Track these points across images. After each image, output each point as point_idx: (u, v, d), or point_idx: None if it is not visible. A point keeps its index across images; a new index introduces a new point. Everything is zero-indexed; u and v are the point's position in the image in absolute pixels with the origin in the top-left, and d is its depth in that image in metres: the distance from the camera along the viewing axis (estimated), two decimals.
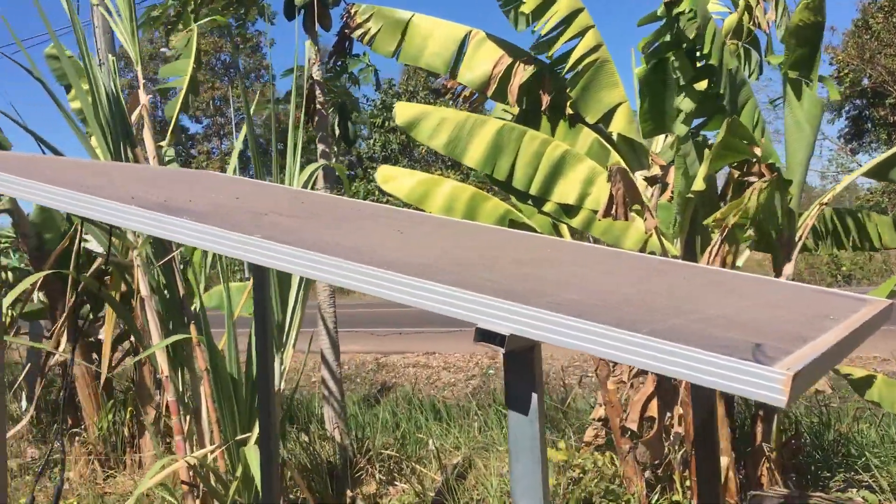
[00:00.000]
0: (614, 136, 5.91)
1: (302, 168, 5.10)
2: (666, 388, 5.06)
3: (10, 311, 7.46)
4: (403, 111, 5.59)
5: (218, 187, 2.93)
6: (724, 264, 4.04)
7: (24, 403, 10.91)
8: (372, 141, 44.19)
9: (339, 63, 7.78)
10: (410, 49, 6.15)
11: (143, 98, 5.02)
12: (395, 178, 6.05)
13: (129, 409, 8.02)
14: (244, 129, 4.94)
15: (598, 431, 5.87)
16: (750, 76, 5.87)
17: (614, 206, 4.36)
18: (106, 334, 5.24)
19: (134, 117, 4.97)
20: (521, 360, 1.60)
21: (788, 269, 5.06)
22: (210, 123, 59.28)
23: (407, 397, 10.14)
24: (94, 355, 8.18)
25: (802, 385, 1.34)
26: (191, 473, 4.59)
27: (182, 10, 7.40)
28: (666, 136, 5.99)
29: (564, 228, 5.91)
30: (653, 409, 5.25)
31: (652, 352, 1.39)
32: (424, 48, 6.13)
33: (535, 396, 1.61)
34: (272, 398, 3.32)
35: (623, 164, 5.56)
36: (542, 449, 1.62)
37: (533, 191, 5.40)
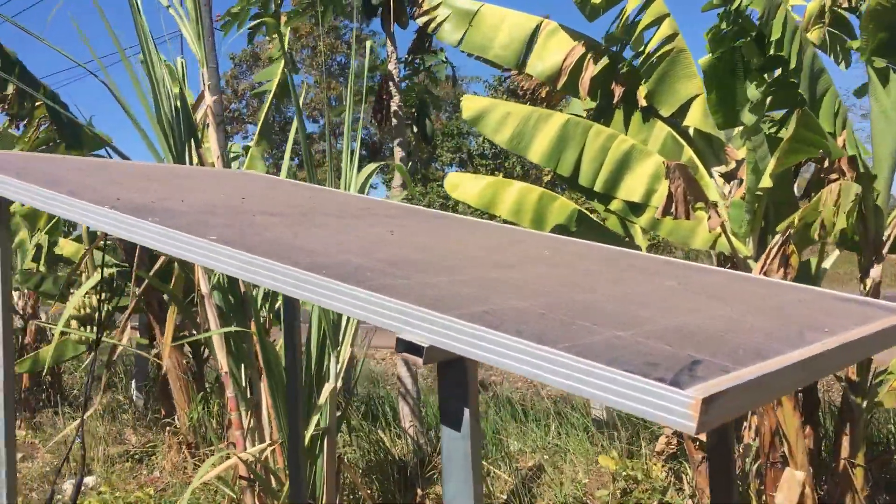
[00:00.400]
0: (691, 131, 5.63)
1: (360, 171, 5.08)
2: None
3: (106, 306, 7.82)
4: (470, 105, 5.50)
5: (239, 188, 2.94)
6: (786, 267, 3.75)
7: (133, 392, 11.46)
8: (482, 139, 44.10)
9: (418, 60, 7.76)
10: (477, 38, 6.02)
11: (209, 99, 5.13)
12: (462, 184, 5.98)
13: (217, 400, 8.27)
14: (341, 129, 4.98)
15: (669, 440, 5.61)
16: (839, 63, 5.46)
17: (673, 204, 4.13)
18: (167, 329, 5.39)
19: (199, 117, 5.08)
20: (453, 372, 1.50)
21: (875, 271, 4.67)
22: (337, 122, 60.48)
23: (487, 396, 10.04)
24: (187, 349, 8.49)
25: (724, 409, 1.18)
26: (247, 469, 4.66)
27: (262, 11, 7.55)
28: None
29: (637, 229, 5.67)
30: None
31: (563, 369, 1.26)
32: (493, 38, 5.99)
33: (467, 412, 1.50)
34: (299, 401, 3.31)
35: (694, 159, 5.29)
36: (474, 468, 1.51)
37: (598, 187, 5.20)
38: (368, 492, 5.49)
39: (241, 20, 7.80)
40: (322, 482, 4.88)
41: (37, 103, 6.68)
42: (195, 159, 4.95)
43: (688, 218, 4.18)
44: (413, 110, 7.79)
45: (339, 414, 5.28)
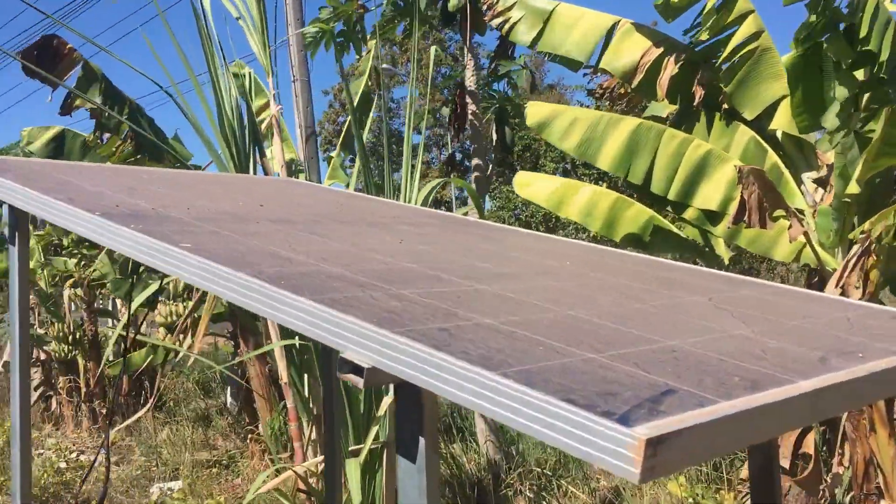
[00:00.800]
0: (778, 135, 5.26)
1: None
2: (824, 421, 4.40)
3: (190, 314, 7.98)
4: (535, 111, 5.30)
5: (268, 195, 2.86)
6: (865, 279, 3.40)
7: (228, 399, 11.72)
8: None
9: (497, 67, 7.61)
10: (551, 38, 5.81)
11: (274, 109, 5.14)
12: (531, 184, 5.76)
13: None
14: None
15: None
16: None
17: (746, 212, 3.83)
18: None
19: (264, 127, 5.09)
20: (407, 395, 1.34)
21: None
22: (430, 134, 60.98)
23: None
24: (268, 358, 8.58)
25: (680, 453, 0.97)
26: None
27: (346, 27, 7.57)
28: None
29: (719, 240, 5.34)
30: (809, 445, 4.58)
31: (500, 397, 1.08)
32: (567, 37, 5.77)
33: (422, 441, 1.33)
34: (335, 415, 3.20)
35: (779, 165, 4.92)
36: (431, 501, 1.34)
37: (671, 195, 4.91)
38: None
39: (326, 39, 7.85)
40: (381, 497, 4.77)
41: (123, 116, 6.88)
42: (258, 168, 4.96)
43: (763, 227, 3.86)
44: (492, 119, 7.65)
45: None
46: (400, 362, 1.21)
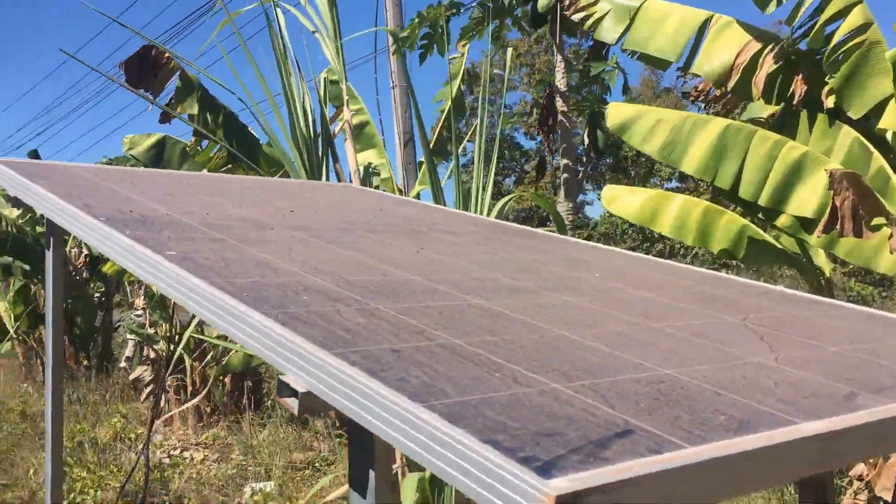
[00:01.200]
0: (888, 136, 4.83)
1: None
2: None
3: None
4: (616, 112, 5.05)
5: (309, 201, 2.79)
6: None
7: None
8: None
9: (589, 69, 7.38)
10: (638, 35, 5.51)
11: (347, 114, 5.10)
12: (620, 198, 5.50)
13: None
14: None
15: (857, 493, 4.80)
16: None
17: (839, 220, 3.50)
18: None
19: (337, 132, 5.07)
20: (357, 425, 1.21)
21: None
22: (541, 140, 60.55)
23: None
24: None
25: None
26: None
27: (433, 32, 7.52)
28: None
29: (819, 250, 4.95)
30: None
31: (418, 433, 0.94)
32: (655, 34, 5.46)
33: (372, 475, 1.20)
34: None
35: (886, 169, 4.50)
36: None
37: (763, 201, 4.56)
38: None
39: (411, 42, 7.82)
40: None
41: (219, 124, 7.03)
42: (331, 174, 4.94)
43: (858, 236, 3.52)
44: (584, 121, 7.41)
45: None
46: (331, 388, 1.08)
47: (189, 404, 9.73)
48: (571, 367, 1.18)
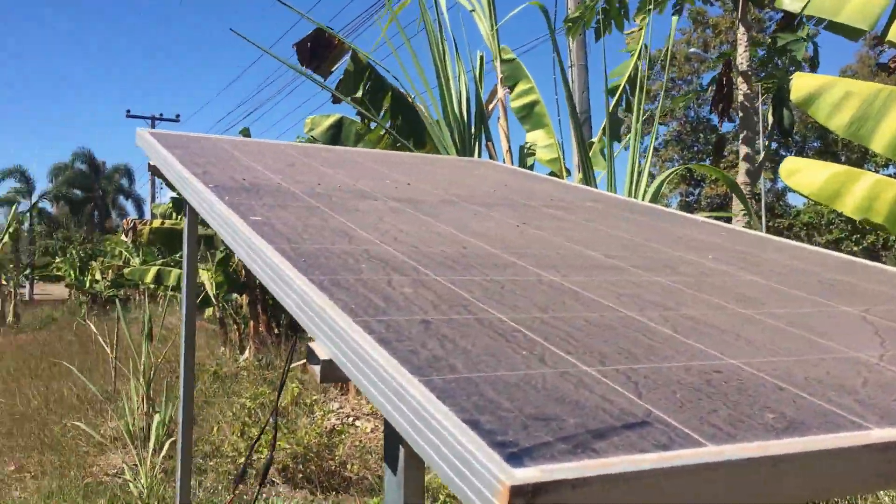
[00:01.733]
0: None
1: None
2: None
3: None
4: (801, 84, 4.62)
5: (433, 175, 2.77)
6: None
7: None
8: None
9: (776, 40, 6.83)
10: (824, 1, 5.02)
11: (501, 93, 5.03)
12: (800, 171, 5.05)
13: None
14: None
15: None
16: None
17: None
18: None
19: (490, 109, 5.01)
20: None
21: None
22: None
23: None
24: None
25: None
26: None
27: (608, 5, 7.27)
28: None
29: None
30: None
31: (403, 406, 0.87)
32: (846, 0, 4.96)
33: (402, 452, 1.14)
34: None
35: None
36: None
37: None
38: None
39: (586, 20, 7.60)
40: None
41: (388, 104, 7.19)
42: (483, 152, 4.89)
43: None
44: (771, 100, 6.89)
45: None
46: (346, 356, 1.03)
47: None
48: (615, 350, 1.06)
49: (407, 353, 0.97)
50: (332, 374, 1.08)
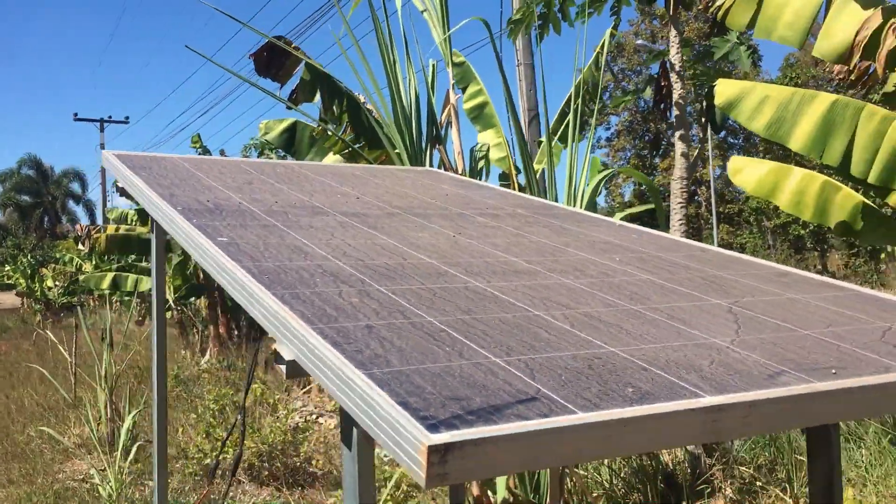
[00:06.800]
0: None
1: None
2: None
3: None
4: (723, 90, 4.98)
5: (383, 187, 3.02)
6: None
7: None
8: None
9: (712, 48, 7.20)
10: (764, 21, 5.40)
11: (453, 98, 5.30)
12: (744, 170, 5.41)
13: None
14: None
15: None
16: None
17: None
18: None
19: (443, 117, 5.27)
20: None
21: None
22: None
23: None
24: None
25: (473, 463, 0.97)
26: None
27: (546, 9, 7.57)
28: None
29: None
30: None
31: (353, 394, 1.14)
32: (778, 18, 5.34)
33: (355, 431, 1.41)
34: None
35: None
36: (362, 492, 1.41)
37: (872, 178, 4.41)
38: (592, 496, 5.28)
39: (528, 22, 7.90)
40: (545, 481, 4.81)
41: (343, 109, 7.41)
42: (434, 157, 5.15)
43: None
44: (704, 98, 7.27)
45: None
46: (306, 357, 1.29)
47: None
48: (519, 343, 1.34)
49: (353, 352, 1.24)
50: (296, 372, 1.34)
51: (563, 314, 1.51)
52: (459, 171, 4.94)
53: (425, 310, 1.48)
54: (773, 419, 1.14)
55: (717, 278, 1.92)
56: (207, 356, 14.75)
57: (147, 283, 16.27)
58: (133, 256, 18.39)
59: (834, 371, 1.28)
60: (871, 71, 5.69)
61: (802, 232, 33.92)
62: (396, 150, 6.80)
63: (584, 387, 1.16)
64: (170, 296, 15.99)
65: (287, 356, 1.35)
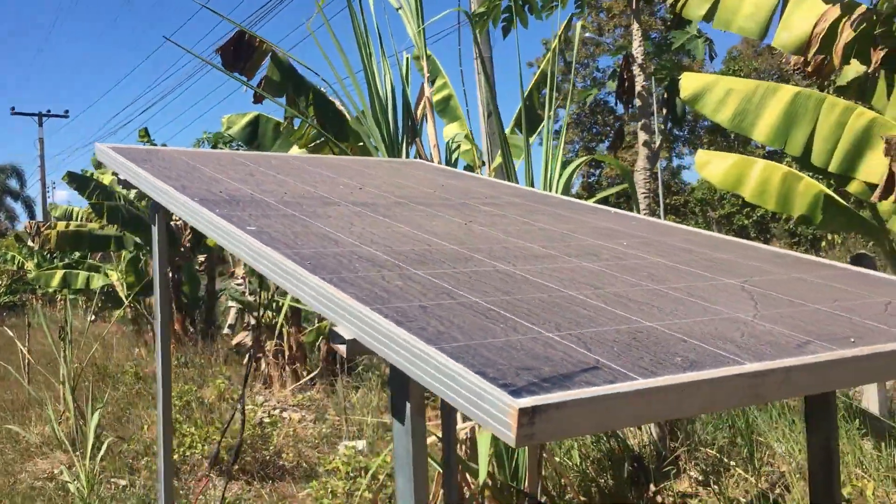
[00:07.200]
0: None
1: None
2: None
3: None
4: (688, 83, 5.16)
5: (377, 177, 3.09)
6: None
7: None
8: None
9: (671, 39, 7.38)
10: (724, 12, 5.57)
11: (428, 91, 5.37)
12: (710, 163, 5.60)
13: None
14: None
15: None
16: None
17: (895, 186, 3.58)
18: None
19: (419, 110, 5.34)
20: (394, 367, 1.50)
21: None
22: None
23: None
24: None
25: (558, 423, 1.06)
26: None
27: (512, 4, 7.66)
28: None
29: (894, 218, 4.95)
30: None
31: (427, 366, 1.22)
32: (738, 10, 5.52)
33: (408, 406, 1.49)
34: None
35: None
36: (416, 463, 1.49)
37: (833, 168, 4.62)
38: (569, 479, 5.43)
39: (493, 17, 7.98)
40: (524, 465, 4.93)
41: (308, 102, 7.43)
42: (411, 150, 5.22)
43: None
44: (663, 91, 7.46)
45: None
46: (370, 335, 1.37)
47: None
48: (565, 320, 1.43)
49: (418, 329, 1.32)
50: (357, 350, 1.42)
51: (594, 293, 1.61)
52: (436, 163, 5.02)
53: (468, 291, 1.57)
54: (805, 384, 1.26)
55: (720, 260, 2.05)
56: None
57: (98, 281, 16.02)
58: (78, 254, 18.04)
59: (853, 340, 1.41)
60: (826, 63, 5.93)
61: (746, 222, 34.76)
62: (362, 144, 6.84)
63: (637, 357, 1.27)
64: (122, 292, 15.76)
65: (347, 335, 1.42)
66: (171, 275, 15.02)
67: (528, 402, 1.05)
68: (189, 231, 14.67)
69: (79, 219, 16.88)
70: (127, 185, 2.76)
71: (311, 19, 5.63)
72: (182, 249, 14.62)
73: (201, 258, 15.55)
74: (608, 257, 1.97)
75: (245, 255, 1.81)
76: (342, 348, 1.43)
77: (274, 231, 1.93)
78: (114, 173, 2.90)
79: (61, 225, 13.96)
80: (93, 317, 17.57)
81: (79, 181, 12.61)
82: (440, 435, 4.76)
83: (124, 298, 15.56)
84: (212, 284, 15.89)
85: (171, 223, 14.59)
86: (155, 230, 2.78)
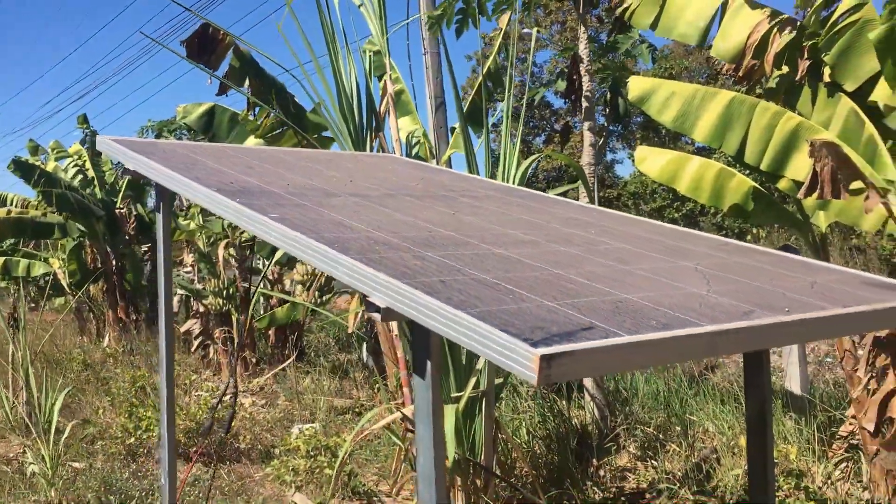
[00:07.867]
0: (881, 106, 5.27)
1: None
2: None
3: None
4: (636, 85, 5.56)
5: (362, 171, 3.38)
6: None
7: (364, 353, 12.59)
8: None
9: (616, 43, 7.80)
10: (667, 20, 5.98)
11: (390, 87, 5.65)
12: (649, 158, 5.99)
13: None
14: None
15: (853, 429, 5.36)
16: None
17: (819, 185, 4.01)
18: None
19: (382, 107, 5.62)
20: (419, 330, 1.80)
21: None
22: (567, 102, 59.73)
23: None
24: None
25: (569, 367, 1.39)
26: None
27: (465, 5, 7.97)
28: None
29: (819, 213, 5.44)
30: (894, 410, 4.72)
31: (460, 327, 1.53)
32: (679, 18, 5.93)
33: (429, 364, 1.80)
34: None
35: (875, 137, 4.97)
36: (435, 412, 1.80)
37: (764, 166, 5.07)
38: (524, 460, 5.80)
39: (447, 17, 8.28)
40: (480, 441, 5.28)
41: (270, 95, 7.62)
42: (375, 143, 5.50)
43: (837, 197, 4.02)
44: (607, 90, 7.88)
45: (501, 380, 5.63)
46: (403, 303, 1.68)
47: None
48: (559, 293, 1.76)
49: (445, 298, 1.63)
50: (391, 316, 1.72)
51: (576, 272, 1.95)
52: (403, 157, 5.31)
53: (475, 270, 1.88)
54: (750, 342, 1.62)
55: (676, 247, 2.41)
56: (107, 340, 14.53)
57: (39, 269, 15.80)
58: (10, 242, 17.73)
59: (787, 309, 1.77)
60: (755, 68, 6.39)
61: (676, 215, 35.83)
62: (318, 136, 7.08)
63: (621, 320, 1.60)
64: (63, 281, 15.60)
65: (381, 304, 1.72)
66: (114, 262, 14.95)
67: (545, 350, 1.38)
68: (133, 220, 14.61)
69: (14, 205, 16.58)
70: (137, 175, 2.98)
71: (281, 20, 5.85)
72: (127, 237, 14.57)
73: (144, 248, 15.50)
74: (580, 242, 2.31)
75: (275, 238, 2.08)
76: (376, 316, 1.73)
77: (294, 218, 2.21)
78: (115, 162, 3.12)
79: (2, 212, 13.77)
80: (32, 304, 17.31)
81: (24, 169, 12.48)
82: (406, 412, 5.07)
83: (66, 287, 15.42)
84: (155, 273, 15.80)
85: (115, 210, 14.53)
86: (160, 217, 3.02)
